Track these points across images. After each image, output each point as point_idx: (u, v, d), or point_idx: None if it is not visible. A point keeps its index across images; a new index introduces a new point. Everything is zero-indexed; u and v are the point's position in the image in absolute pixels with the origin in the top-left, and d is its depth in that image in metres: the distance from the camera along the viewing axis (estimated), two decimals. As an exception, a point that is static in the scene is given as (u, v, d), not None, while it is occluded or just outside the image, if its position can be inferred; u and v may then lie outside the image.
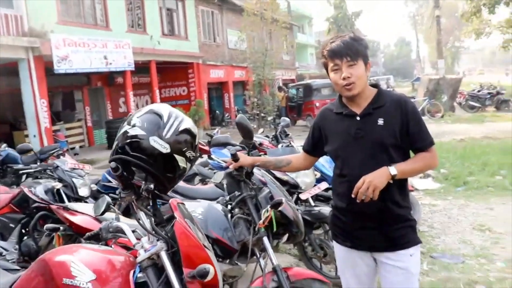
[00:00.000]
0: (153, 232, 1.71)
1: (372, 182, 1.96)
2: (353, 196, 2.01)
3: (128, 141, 1.62)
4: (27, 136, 12.80)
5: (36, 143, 11.35)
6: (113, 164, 1.61)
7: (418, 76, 30.29)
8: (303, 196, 3.61)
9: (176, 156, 1.63)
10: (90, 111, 17.01)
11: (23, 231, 4.12)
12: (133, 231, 1.86)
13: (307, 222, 3.42)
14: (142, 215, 1.72)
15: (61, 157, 4.98)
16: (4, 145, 7.12)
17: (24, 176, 6.18)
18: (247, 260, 2.65)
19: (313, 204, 3.75)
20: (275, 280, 2.46)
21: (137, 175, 1.71)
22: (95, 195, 4.43)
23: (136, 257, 1.76)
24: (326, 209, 3.63)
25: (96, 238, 1.98)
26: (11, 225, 4.08)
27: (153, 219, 1.77)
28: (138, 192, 1.71)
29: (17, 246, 4.01)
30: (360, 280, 2.33)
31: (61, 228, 3.24)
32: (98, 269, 1.64)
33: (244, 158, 2.50)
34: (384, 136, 2.07)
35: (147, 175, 1.65)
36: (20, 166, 5.41)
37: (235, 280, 2.69)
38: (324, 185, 3.82)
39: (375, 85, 2.19)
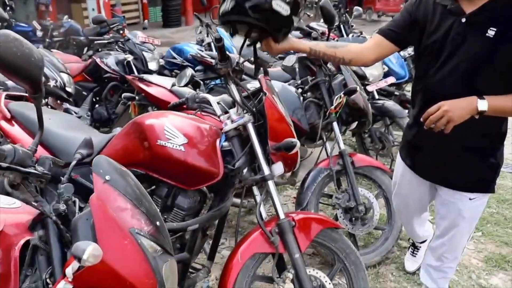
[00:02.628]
0: (243, 104, 1.78)
1: (448, 112, 1.51)
2: (421, 120, 1.61)
3: (251, 3, 1.55)
4: (85, 9, 12.82)
5: (95, 17, 11.38)
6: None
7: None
8: (369, 88, 3.54)
9: (293, 17, 1.60)
10: (146, -14, 16.58)
11: (94, 99, 4.38)
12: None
13: (370, 113, 3.42)
14: (233, 87, 1.78)
15: (121, 32, 5.02)
16: (66, 16, 7.27)
17: (86, 48, 6.44)
18: (315, 143, 2.75)
19: (377, 97, 3.70)
20: (340, 163, 2.57)
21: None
22: (159, 70, 4.54)
23: (220, 128, 1.86)
24: (389, 103, 3.60)
25: (179, 108, 2.09)
26: (83, 92, 4.31)
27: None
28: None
29: (89, 113, 4.29)
30: (406, 202, 2.14)
31: (137, 98, 3.42)
32: (189, 134, 1.74)
33: None
34: (489, 52, 1.52)
35: (261, 35, 1.66)
36: (89, 38, 5.58)
37: (301, 160, 2.81)
38: (391, 79, 3.71)
39: None
